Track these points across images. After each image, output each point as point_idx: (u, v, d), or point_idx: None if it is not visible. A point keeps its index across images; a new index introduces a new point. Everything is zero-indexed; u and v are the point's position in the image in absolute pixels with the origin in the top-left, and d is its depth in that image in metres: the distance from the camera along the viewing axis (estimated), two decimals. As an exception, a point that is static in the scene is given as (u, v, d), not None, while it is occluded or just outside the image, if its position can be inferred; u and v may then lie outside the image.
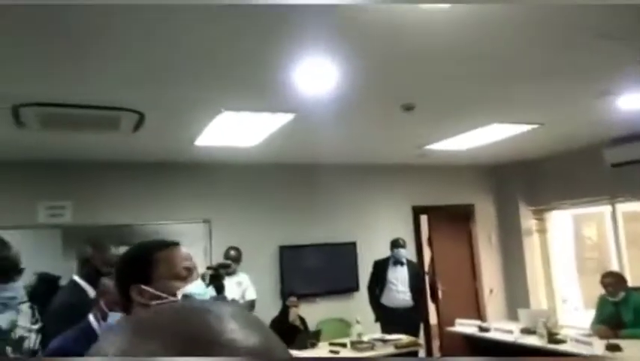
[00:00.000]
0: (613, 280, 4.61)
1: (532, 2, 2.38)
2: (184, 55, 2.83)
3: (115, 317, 2.20)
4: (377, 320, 5.60)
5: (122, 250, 3.30)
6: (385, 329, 5.36)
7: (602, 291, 4.68)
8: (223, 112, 3.91)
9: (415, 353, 5.35)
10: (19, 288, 2.43)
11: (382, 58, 3.04)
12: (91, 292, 2.65)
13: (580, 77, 3.61)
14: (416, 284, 5.77)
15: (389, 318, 5.49)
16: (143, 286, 1.27)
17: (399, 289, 5.64)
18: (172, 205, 5.77)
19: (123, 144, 4.78)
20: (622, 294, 4.53)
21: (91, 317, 2.23)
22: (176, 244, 1.37)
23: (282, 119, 4.21)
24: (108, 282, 2.28)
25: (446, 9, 2.40)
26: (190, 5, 2.23)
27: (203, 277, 2.04)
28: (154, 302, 1.25)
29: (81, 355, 1.50)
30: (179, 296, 1.29)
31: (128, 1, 2.16)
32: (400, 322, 5.36)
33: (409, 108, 4.01)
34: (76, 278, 3.00)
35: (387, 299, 5.66)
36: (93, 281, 2.40)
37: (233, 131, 4.51)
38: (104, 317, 2.20)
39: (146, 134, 4.37)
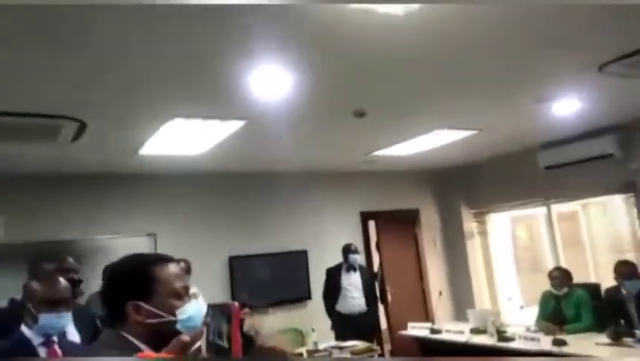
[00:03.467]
0: (560, 274, 4.84)
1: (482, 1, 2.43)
2: (130, 59, 2.69)
3: (47, 318, 2.08)
4: (333, 327, 5.59)
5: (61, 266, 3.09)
6: (340, 336, 5.35)
7: (538, 289, 4.90)
8: (172, 119, 3.78)
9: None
10: None
11: (335, 65, 3.04)
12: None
13: (520, 84, 3.78)
14: (369, 289, 5.81)
15: (344, 325, 5.50)
16: (142, 304, 1.18)
17: (353, 295, 5.66)
18: (114, 219, 5.50)
19: (61, 155, 4.50)
20: (565, 289, 4.76)
21: (23, 327, 2.14)
22: (171, 259, 1.29)
23: (233, 126, 4.13)
24: (33, 283, 2.17)
25: (399, 18, 2.43)
26: (135, 5, 2.10)
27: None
28: (150, 320, 1.17)
29: None
30: (179, 316, 1.18)
31: (69, 2, 2.02)
32: (354, 328, 5.38)
33: (360, 115, 4.05)
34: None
35: (342, 306, 5.65)
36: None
37: (181, 139, 4.37)
38: (35, 320, 2.11)
39: (86, 144, 4.15)
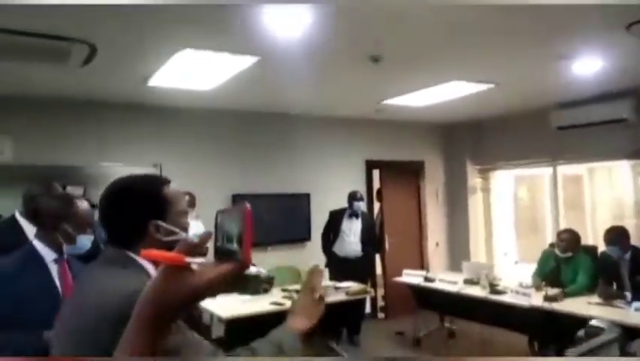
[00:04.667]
0: (569, 237, 4.75)
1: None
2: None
3: (83, 240, 2.15)
4: (327, 265, 5.79)
5: (71, 190, 3.14)
6: (334, 276, 5.53)
7: (535, 248, 4.92)
8: (182, 49, 3.71)
9: (362, 301, 5.56)
10: None
11: (355, 5, 2.95)
12: (30, 231, 2.53)
13: (543, 38, 3.66)
14: (368, 236, 5.93)
15: (339, 267, 5.70)
16: (161, 223, 1.22)
17: (351, 240, 5.83)
18: (121, 147, 5.53)
19: (71, 79, 4.47)
20: (569, 253, 4.72)
21: (36, 243, 2.16)
22: (170, 180, 1.33)
23: (244, 62, 4.05)
24: (82, 203, 2.21)
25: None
26: None
27: None
28: (167, 239, 1.22)
29: (20, 278, 1.42)
30: (190, 233, 1.27)
31: None
32: (349, 271, 5.54)
33: (376, 60, 3.96)
34: (17, 215, 2.86)
35: (338, 248, 5.85)
36: (35, 219, 2.30)
37: (191, 72, 4.31)
38: (70, 241, 2.17)
39: (96, 70, 4.11)
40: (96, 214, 1.67)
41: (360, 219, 5.92)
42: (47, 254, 2.12)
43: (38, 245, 2.13)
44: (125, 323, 0.78)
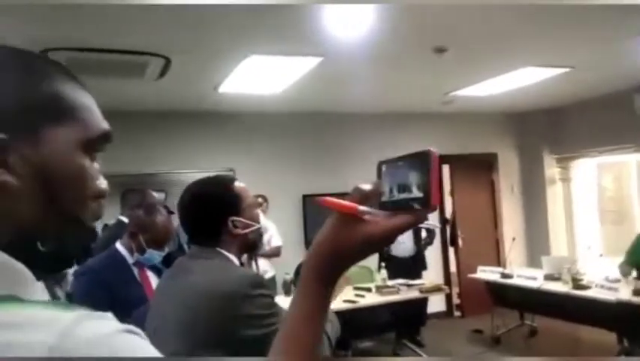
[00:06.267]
0: None
1: None
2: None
3: (153, 254, 2.29)
4: (385, 267, 5.50)
5: (155, 196, 3.37)
6: (392, 275, 5.30)
7: (621, 241, 4.60)
8: (249, 56, 3.84)
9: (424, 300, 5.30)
10: None
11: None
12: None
13: (615, 15, 3.44)
14: (417, 234, 5.73)
15: (394, 266, 5.45)
16: (237, 218, 1.35)
17: (400, 239, 5.59)
18: (194, 154, 5.80)
19: (145, 91, 4.75)
20: None
21: (119, 245, 2.34)
22: (236, 179, 1.46)
23: (309, 63, 4.13)
24: (153, 219, 2.34)
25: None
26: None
27: None
28: (245, 231, 1.36)
29: (109, 278, 1.55)
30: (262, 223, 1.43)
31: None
32: (402, 269, 5.38)
33: (440, 51, 3.90)
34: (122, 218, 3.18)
35: (392, 248, 5.56)
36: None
37: (258, 77, 4.45)
38: (141, 252, 2.30)
39: (169, 81, 4.34)
40: (175, 220, 1.79)
41: None
42: (128, 257, 2.31)
43: (120, 248, 2.33)
44: (239, 304, 0.84)
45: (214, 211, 1.35)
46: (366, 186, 0.65)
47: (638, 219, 6.47)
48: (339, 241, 0.64)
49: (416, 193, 0.62)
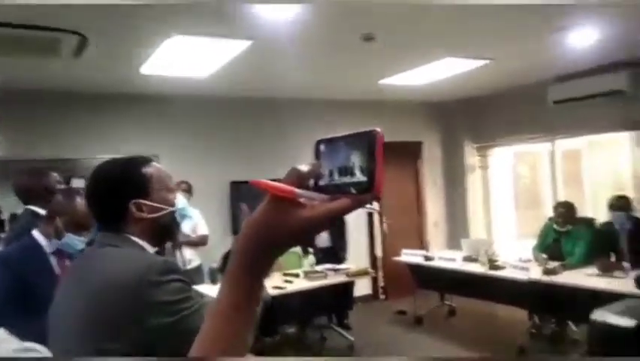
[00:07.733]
0: (564, 211, 4.80)
1: None
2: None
3: (72, 239, 2.15)
4: (306, 252, 5.42)
5: (76, 183, 3.16)
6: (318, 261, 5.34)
7: (535, 223, 4.93)
8: (173, 36, 3.69)
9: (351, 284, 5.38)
10: None
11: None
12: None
13: (534, 11, 3.63)
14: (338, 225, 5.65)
15: (319, 253, 5.40)
16: (143, 201, 1.25)
17: None
18: (117, 139, 5.51)
19: (63, 71, 4.45)
20: (568, 227, 4.77)
21: (35, 233, 2.20)
22: (153, 160, 1.34)
23: (238, 46, 4.03)
24: (69, 202, 2.21)
25: None
26: None
27: None
28: (152, 215, 1.26)
29: (25, 264, 1.44)
30: (177, 207, 1.31)
31: None
32: (325, 256, 5.38)
33: (368, 39, 3.94)
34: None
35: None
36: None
37: (184, 59, 4.29)
38: (59, 236, 2.17)
39: (88, 60, 4.09)
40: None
41: None
42: (47, 245, 2.17)
43: (37, 236, 2.19)
44: (145, 291, 0.79)
45: (114, 193, 1.25)
46: (304, 168, 0.60)
47: (549, 204, 6.93)
48: (273, 225, 0.59)
49: (359, 177, 0.58)
